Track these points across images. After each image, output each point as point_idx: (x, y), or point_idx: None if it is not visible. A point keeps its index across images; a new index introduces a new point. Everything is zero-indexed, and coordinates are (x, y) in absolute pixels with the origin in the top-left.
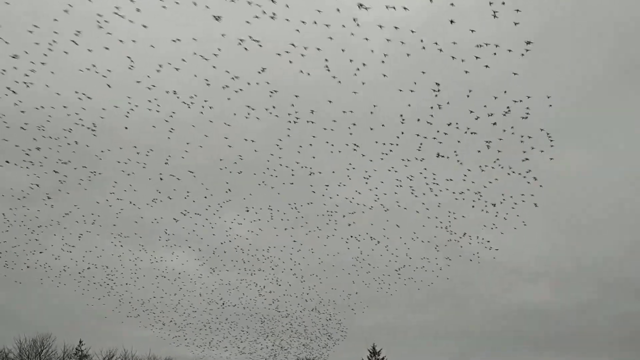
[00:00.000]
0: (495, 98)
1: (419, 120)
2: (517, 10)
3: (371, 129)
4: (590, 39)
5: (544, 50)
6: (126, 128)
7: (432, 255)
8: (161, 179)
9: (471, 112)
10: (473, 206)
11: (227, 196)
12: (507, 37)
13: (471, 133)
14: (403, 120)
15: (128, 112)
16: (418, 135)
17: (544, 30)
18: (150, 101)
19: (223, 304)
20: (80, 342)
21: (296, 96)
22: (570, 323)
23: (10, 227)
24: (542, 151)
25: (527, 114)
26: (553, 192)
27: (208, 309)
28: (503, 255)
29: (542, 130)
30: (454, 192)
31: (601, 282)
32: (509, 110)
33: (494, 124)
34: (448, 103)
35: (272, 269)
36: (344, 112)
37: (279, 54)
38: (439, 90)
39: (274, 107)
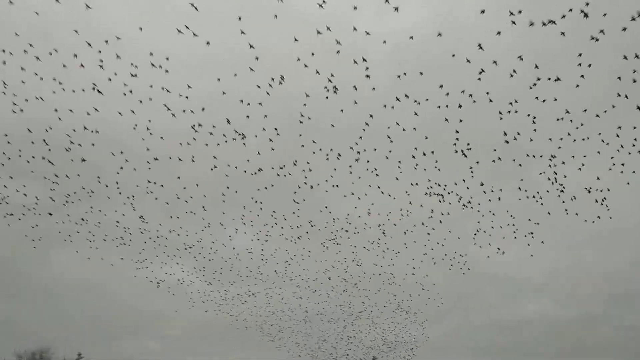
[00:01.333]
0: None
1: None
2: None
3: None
4: (595, 49)
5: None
6: (128, 141)
7: (438, 268)
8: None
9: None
10: (479, 220)
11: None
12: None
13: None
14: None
15: (131, 125)
16: (423, 147)
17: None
18: (153, 113)
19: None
20: (79, 355)
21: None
22: (576, 335)
23: (11, 240)
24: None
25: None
26: (559, 205)
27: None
28: (508, 268)
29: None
30: (459, 205)
31: (607, 294)
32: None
33: (506, 142)
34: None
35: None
36: (348, 124)
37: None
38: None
39: (284, 120)
